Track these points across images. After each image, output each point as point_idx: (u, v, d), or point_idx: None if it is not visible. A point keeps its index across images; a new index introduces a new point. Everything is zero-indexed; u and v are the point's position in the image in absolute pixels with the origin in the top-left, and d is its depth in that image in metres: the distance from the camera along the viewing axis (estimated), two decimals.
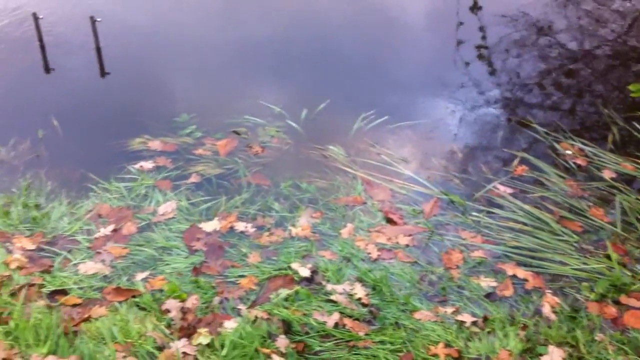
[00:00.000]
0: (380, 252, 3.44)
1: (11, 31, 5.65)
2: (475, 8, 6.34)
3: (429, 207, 3.77)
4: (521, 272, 3.34)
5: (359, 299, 3.11)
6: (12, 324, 2.86)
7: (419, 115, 4.66)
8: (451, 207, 3.82)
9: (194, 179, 3.99)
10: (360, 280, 3.24)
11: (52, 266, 3.29)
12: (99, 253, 3.39)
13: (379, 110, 4.59)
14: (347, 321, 2.96)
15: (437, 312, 3.07)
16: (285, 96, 4.81)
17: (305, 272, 3.24)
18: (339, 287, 3.16)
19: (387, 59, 5.45)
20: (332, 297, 3.10)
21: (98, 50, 5.28)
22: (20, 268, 3.25)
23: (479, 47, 5.74)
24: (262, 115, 4.58)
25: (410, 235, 3.57)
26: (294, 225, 3.62)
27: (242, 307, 3.05)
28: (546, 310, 3.12)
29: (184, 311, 3.00)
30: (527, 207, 3.77)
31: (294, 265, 3.29)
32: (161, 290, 3.13)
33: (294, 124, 4.49)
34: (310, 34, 5.77)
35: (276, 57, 5.41)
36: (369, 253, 3.42)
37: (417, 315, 3.03)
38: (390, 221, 3.67)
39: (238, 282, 3.22)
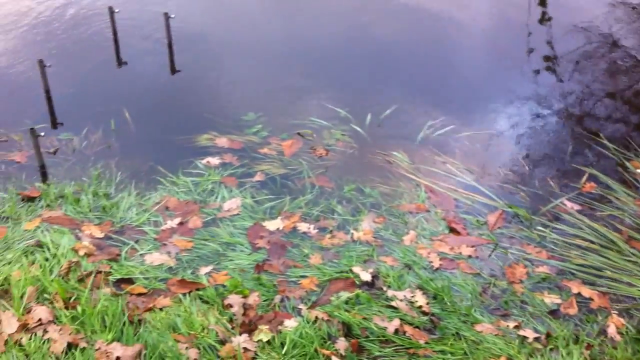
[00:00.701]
0: (442, 261, 3.41)
1: (88, 24, 5.83)
2: (545, 19, 6.24)
3: (494, 219, 3.72)
4: (586, 291, 3.27)
5: (420, 307, 3.09)
6: (79, 309, 2.94)
7: (486, 126, 4.62)
8: (516, 220, 3.76)
9: (259, 177, 4.04)
10: (421, 288, 3.22)
11: (119, 255, 3.37)
12: (165, 245, 3.46)
13: (445, 118, 4.57)
14: (408, 328, 2.95)
15: (499, 326, 3.02)
16: (351, 100, 4.82)
17: (366, 276, 3.24)
18: (400, 294, 3.15)
19: (455, 67, 5.40)
20: (393, 303, 3.09)
21: (170, 46, 5.39)
22: (88, 255, 3.34)
23: (547, 58, 5.64)
24: (327, 118, 4.60)
25: (473, 246, 3.53)
26: (356, 229, 3.63)
27: (302, 307, 3.06)
28: (611, 330, 3.04)
29: (245, 307, 3.03)
30: (594, 225, 3.69)
31: (356, 269, 3.29)
32: (224, 285, 3.17)
33: (358, 129, 4.50)
34: (379, 38, 5.76)
35: (344, 60, 5.43)
36: (431, 262, 3.40)
37: (478, 328, 3.00)
38: (453, 231, 3.64)
39: (299, 282, 3.24)
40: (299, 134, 4.46)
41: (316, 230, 3.61)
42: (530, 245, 3.57)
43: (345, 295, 3.12)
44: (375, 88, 5.04)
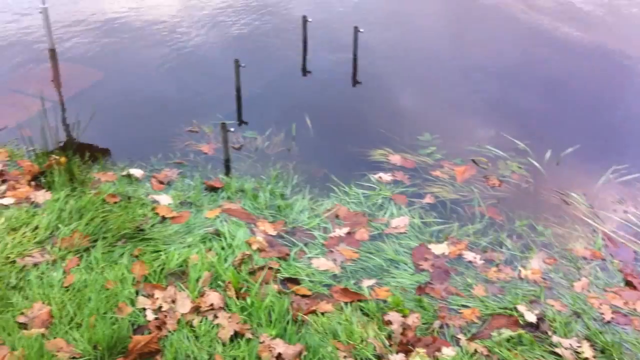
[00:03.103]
0: (614, 314, 3.22)
1: (280, 30, 6.12)
2: None
3: None
4: None
5: (586, 358, 2.94)
6: (248, 300, 3.08)
7: None
8: None
9: (428, 199, 4.03)
10: (589, 339, 3.06)
11: (288, 254, 3.50)
12: (332, 252, 3.55)
13: (631, 165, 4.32)
14: None
15: None
16: (531, 133, 4.69)
17: (531, 317, 3.13)
18: (566, 342, 3.02)
19: None
20: (557, 350, 2.96)
21: (355, 59, 5.54)
22: (260, 250, 3.49)
23: None
24: (504, 149, 4.51)
25: None
26: (524, 267, 3.53)
27: (461, 337, 3.02)
28: None
29: (404, 327, 3.04)
30: None
31: (520, 308, 3.19)
32: (385, 301, 3.20)
33: (536, 163, 4.37)
34: (564, 74, 5.57)
35: (527, 92, 5.30)
36: (602, 313, 3.22)
37: None
38: (629, 284, 3.43)
39: (460, 311, 3.20)
40: (473, 160, 4.41)
41: (482, 261, 3.55)
42: None
43: (507, 332, 3.04)
44: (558, 125, 4.87)
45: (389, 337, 2.98)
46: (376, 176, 4.21)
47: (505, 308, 3.21)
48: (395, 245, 3.64)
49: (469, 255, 3.58)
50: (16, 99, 4.94)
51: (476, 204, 4.02)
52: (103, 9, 6.70)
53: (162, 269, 3.27)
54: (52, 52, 5.54)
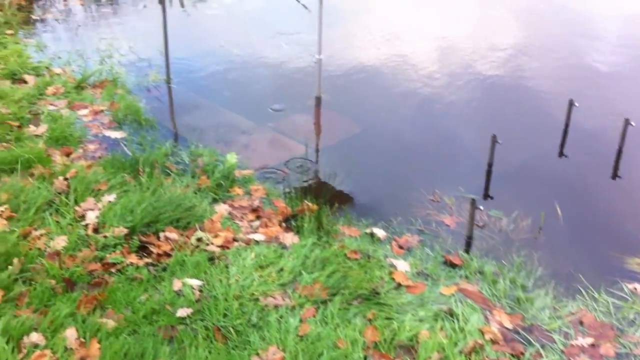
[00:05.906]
0: None
1: (542, 109, 5.92)
2: None
3: None
4: None
5: None
6: None
7: None
8: None
9: None
10: None
11: (522, 354, 3.28)
12: None
13: None
14: None
15: None
16: None
17: None
18: None
19: None
20: None
21: (619, 151, 5.17)
22: (493, 342, 3.32)
23: None
24: None
25: None
26: None
27: None
28: None
29: None
30: None
31: None
32: None
33: None
34: None
35: None
36: None
37: None
38: None
39: None
40: None
41: None
42: None
43: None
44: None
45: None
46: (631, 286, 3.83)
47: None
48: None
49: None
50: (280, 140, 5.29)
51: None
52: (369, 61, 7.00)
53: (393, 339, 3.23)
54: (318, 100, 5.87)
